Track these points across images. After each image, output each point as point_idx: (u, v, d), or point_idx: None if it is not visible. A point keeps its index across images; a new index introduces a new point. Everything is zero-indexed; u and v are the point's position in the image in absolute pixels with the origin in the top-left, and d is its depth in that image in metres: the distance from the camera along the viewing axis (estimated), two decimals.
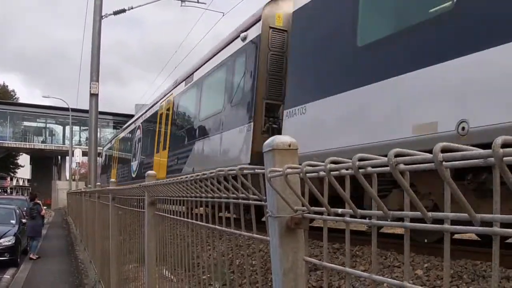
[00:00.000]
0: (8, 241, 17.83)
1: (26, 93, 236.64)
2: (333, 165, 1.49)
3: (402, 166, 1.25)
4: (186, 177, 3.20)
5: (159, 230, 4.96)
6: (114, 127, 75.66)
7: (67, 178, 72.11)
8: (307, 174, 1.64)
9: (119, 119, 75.76)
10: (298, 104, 10.77)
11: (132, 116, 41.27)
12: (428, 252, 11.95)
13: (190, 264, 3.80)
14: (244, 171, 2.22)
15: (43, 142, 74.91)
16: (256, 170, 2.18)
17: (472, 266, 10.46)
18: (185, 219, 3.74)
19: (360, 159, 1.36)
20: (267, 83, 12.79)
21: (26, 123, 75.07)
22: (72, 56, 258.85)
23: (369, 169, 1.40)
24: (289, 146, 1.92)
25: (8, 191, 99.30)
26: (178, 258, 4.12)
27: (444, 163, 1.10)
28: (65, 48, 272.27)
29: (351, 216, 1.55)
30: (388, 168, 1.26)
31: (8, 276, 15.71)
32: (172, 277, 4.68)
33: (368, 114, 8.74)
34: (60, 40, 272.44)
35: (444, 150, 1.10)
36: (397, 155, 1.23)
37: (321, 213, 1.72)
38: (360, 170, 1.39)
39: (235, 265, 7.28)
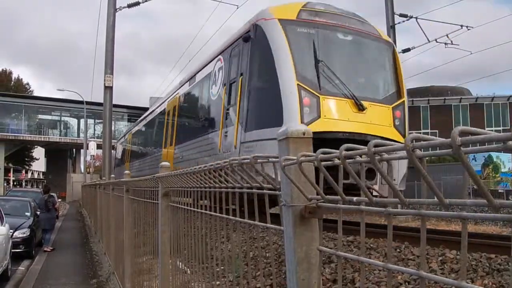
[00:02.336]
0: (23, 233, 17.88)
1: (37, 86, 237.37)
2: (348, 152, 1.47)
3: (419, 152, 1.23)
4: (200, 167, 3.18)
5: (173, 222, 4.95)
6: (129, 120, 75.88)
7: (82, 170, 72.38)
8: (322, 162, 1.62)
9: (134, 112, 75.94)
10: None
11: (147, 109, 40.90)
12: (443, 246, 11.92)
13: (204, 256, 3.79)
14: (258, 160, 2.20)
15: (60, 134, 75.20)
16: (270, 159, 2.16)
17: (486, 259, 10.41)
18: (199, 210, 3.72)
19: (376, 145, 1.34)
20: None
21: (41, 116, 75.33)
22: (83, 49, 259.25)
23: (385, 155, 1.38)
24: (303, 134, 1.90)
25: (23, 183, 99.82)
26: (192, 250, 4.11)
27: (462, 148, 1.08)
28: (76, 40, 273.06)
29: (367, 205, 1.53)
30: (405, 153, 1.24)
31: (23, 268, 15.78)
32: (186, 268, 4.67)
33: None
34: (71, 33, 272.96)
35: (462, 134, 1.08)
36: (414, 140, 1.21)
37: (335, 202, 1.70)
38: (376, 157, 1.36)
39: (249, 257, 7.28)
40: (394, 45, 16.84)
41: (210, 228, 3.62)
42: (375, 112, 13.84)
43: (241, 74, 15.03)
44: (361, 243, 1.61)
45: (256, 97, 14.38)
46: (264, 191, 2.29)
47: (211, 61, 18.35)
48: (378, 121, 13.84)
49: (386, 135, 13.45)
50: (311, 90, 13.13)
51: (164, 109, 24.77)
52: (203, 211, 3.61)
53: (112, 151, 32.29)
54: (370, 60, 15.19)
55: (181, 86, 22.63)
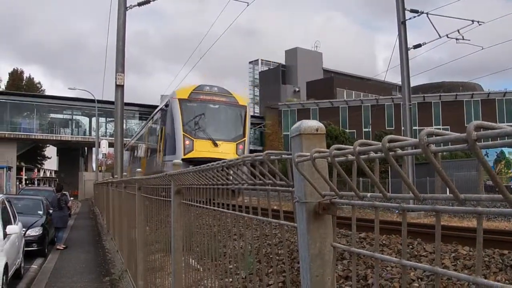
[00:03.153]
0: (35, 231, 17.93)
1: (48, 85, 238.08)
2: (362, 148, 1.46)
3: (433, 147, 1.22)
4: (213, 165, 3.18)
5: (186, 219, 4.96)
6: (140, 118, 76.12)
7: (94, 169, 72.59)
8: (335, 159, 1.62)
9: (145, 110, 76.16)
10: None
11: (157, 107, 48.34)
12: (455, 242, 11.89)
13: (217, 253, 3.79)
14: (271, 156, 2.20)
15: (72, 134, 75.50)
16: (283, 156, 2.16)
17: (499, 255, 10.37)
18: (212, 207, 3.72)
19: (390, 141, 1.33)
20: None
21: (52, 115, 75.58)
22: (94, 47, 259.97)
23: (399, 151, 1.37)
24: (317, 130, 1.90)
25: (36, 182, 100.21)
26: (205, 247, 4.11)
27: (477, 143, 1.07)
28: (86, 39, 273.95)
29: (381, 200, 1.52)
30: (419, 150, 1.23)
31: (36, 266, 15.83)
32: (198, 266, 4.68)
33: None
34: (81, 32, 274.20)
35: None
36: (429, 135, 1.20)
37: (349, 198, 1.70)
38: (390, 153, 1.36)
39: (262, 254, 7.28)
40: (247, 106, 29.61)
41: (223, 225, 3.62)
42: (225, 146, 26.31)
43: (162, 125, 29.51)
44: (375, 239, 1.60)
45: (166, 139, 28.01)
46: (277, 188, 2.29)
47: (155, 114, 34.02)
48: (226, 151, 25.74)
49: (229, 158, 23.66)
50: (189, 136, 26.34)
51: (141, 131, 40.18)
52: (215, 208, 3.61)
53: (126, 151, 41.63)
54: (227, 118, 27.92)
55: (147, 121, 39.35)
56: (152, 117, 35.00)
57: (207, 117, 27.03)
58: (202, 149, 25.39)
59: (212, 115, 27.25)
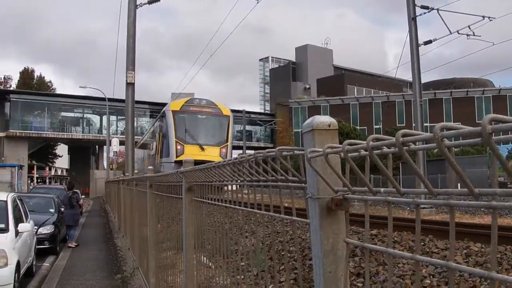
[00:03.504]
0: (47, 229, 18.01)
1: (58, 84, 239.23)
2: (375, 143, 1.46)
3: (447, 141, 1.21)
4: (224, 161, 3.18)
5: (197, 216, 4.96)
6: (151, 116, 76.31)
7: (105, 167, 72.85)
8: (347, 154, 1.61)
9: (156, 108, 76.33)
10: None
11: None
12: (467, 239, 11.85)
13: (228, 250, 3.79)
14: (283, 152, 2.19)
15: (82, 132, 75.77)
16: (295, 152, 2.16)
17: (511, 252, 10.33)
18: (223, 204, 3.72)
19: (404, 135, 1.33)
20: None
21: (63, 114, 75.85)
22: (104, 46, 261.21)
23: (412, 146, 1.37)
24: (329, 126, 1.90)
25: (47, 180, 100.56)
26: (216, 244, 4.11)
27: (493, 136, 1.07)
28: (96, 38, 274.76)
29: (394, 196, 1.52)
30: (433, 144, 1.23)
31: (48, 264, 15.90)
32: (210, 263, 4.68)
33: None
34: (91, 30, 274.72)
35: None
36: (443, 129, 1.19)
37: (362, 194, 1.69)
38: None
39: (274, 251, 7.27)
40: (230, 116, 34.40)
41: (234, 222, 3.62)
42: (210, 150, 30.75)
43: (160, 131, 34.75)
44: (388, 235, 1.60)
45: (162, 143, 33.51)
46: (289, 184, 2.28)
47: (156, 121, 40.39)
48: (211, 154, 29.78)
49: (215, 160, 27.98)
50: (181, 142, 31.32)
51: (142, 139, 47.59)
52: (227, 205, 3.61)
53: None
54: (213, 126, 33.13)
55: (151, 127, 45.92)
56: (154, 124, 42.40)
57: (195, 126, 32.50)
58: (191, 152, 29.53)
59: (200, 124, 32.90)
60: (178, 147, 31.28)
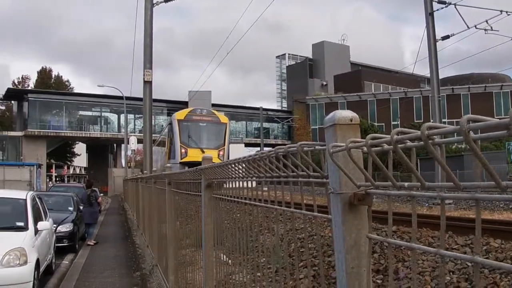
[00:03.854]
0: (66, 227, 18.11)
1: (76, 83, 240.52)
2: (400, 136, 1.44)
3: (473, 134, 1.19)
4: (244, 158, 3.17)
5: (216, 213, 4.96)
6: (168, 114, 76.52)
7: (123, 165, 73.23)
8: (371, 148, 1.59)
9: (173, 106, 76.68)
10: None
11: (186, 103, 69.33)
12: (487, 235, 11.76)
13: (248, 247, 3.79)
14: (305, 148, 2.18)
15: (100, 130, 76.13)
16: (317, 147, 2.15)
17: None
18: (243, 201, 3.71)
19: (429, 128, 1.31)
20: None
21: (81, 112, 76.27)
22: (120, 44, 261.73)
23: (437, 139, 1.35)
24: (351, 120, 1.88)
25: (65, 179, 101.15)
26: (236, 241, 4.10)
27: None
28: (113, 36, 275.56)
29: (418, 190, 1.50)
30: (460, 137, 1.21)
31: (67, 262, 15.97)
32: (228, 260, 4.68)
33: None
34: (108, 29, 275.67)
35: None
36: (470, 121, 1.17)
37: (385, 188, 1.67)
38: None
39: (296, 247, 7.27)
40: (227, 123, 39.93)
41: (254, 219, 3.61)
42: (210, 153, 28.50)
43: (168, 136, 39.74)
44: (412, 230, 1.58)
45: (170, 147, 38.43)
46: (311, 179, 2.27)
47: (166, 126, 45.55)
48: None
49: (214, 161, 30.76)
50: (184, 146, 35.87)
51: (159, 137, 49.03)
52: (247, 201, 3.60)
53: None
54: (212, 132, 37.88)
55: (161, 133, 49.98)
56: (164, 129, 48.91)
57: (197, 132, 37.68)
58: (193, 155, 34.24)
59: (201, 130, 38.09)
60: (182, 150, 36.37)
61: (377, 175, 2.30)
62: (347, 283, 1.88)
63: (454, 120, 58.97)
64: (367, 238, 1.88)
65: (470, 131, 1.18)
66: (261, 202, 3.26)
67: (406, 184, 1.53)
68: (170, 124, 39.61)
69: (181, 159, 35.51)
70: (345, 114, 1.89)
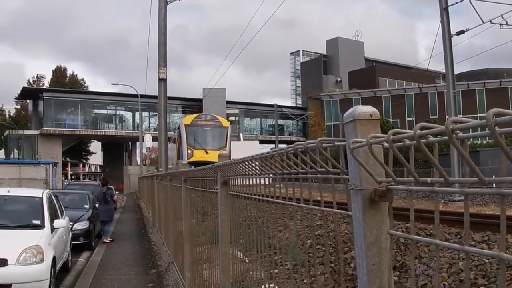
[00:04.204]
0: (82, 225, 18.16)
1: (90, 81, 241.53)
2: (423, 131, 1.42)
3: (498, 128, 1.17)
4: (262, 154, 3.16)
5: (233, 210, 4.95)
6: (183, 112, 76.77)
7: (138, 163, 73.38)
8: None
9: (187, 104, 76.90)
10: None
11: (200, 100, 71.86)
12: (507, 232, 11.66)
13: (265, 244, 3.78)
14: (324, 144, 2.16)
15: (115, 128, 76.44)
16: (336, 143, 2.13)
17: None
18: (261, 197, 3.70)
19: (454, 122, 1.29)
20: None
21: (96, 111, 76.65)
22: (134, 43, 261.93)
23: (460, 134, 1.33)
24: (371, 116, 1.86)
25: (81, 177, 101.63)
26: (253, 238, 4.09)
27: None
28: (127, 35, 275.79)
29: (441, 185, 1.48)
30: (485, 132, 1.19)
31: (83, 259, 16.03)
32: (244, 257, 4.67)
33: None
34: (121, 27, 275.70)
35: None
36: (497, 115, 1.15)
37: (406, 184, 1.65)
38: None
39: (313, 244, 7.25)
40: (228, 127, 44.85)
41: (272, 216, 3.60)
42: (212, 153, 37.42)
43: (177, 139, 45.61)
44: (435, 226, 1.56)
45: (179, 148, 44.26)
46: (330, 175, 2.25)
47: (176, 129, 49.46)
48: (213, 156, 29.90)
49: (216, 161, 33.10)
50: (191, 147, 42.06)
51: (173, 135, 51.04)
52: (264, 198, 3.59)
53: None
54: (215, 135, 43.69)
55: (173, 133, 51.37)
56: (175, 132, 52.43)
57: (202, 135, 43.45)
58: (198, 155, 39.51)
59: (205, 133, 43.74)
60: (189, 151, 41.74)
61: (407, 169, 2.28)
62: (368, 280, 1.87)
63: (470, 115, 58.75)
64: (388, 234, 1.86)
65: (496, 126, 1.16)
66: (279, 199, 3.25)
67: (429, 179, 1.51)
68: (179, 128, 45.80)
69: (188, 159, 38.47)
70: (365, 109, 1.87)
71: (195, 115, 48.38)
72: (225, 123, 45.93)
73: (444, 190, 1.46)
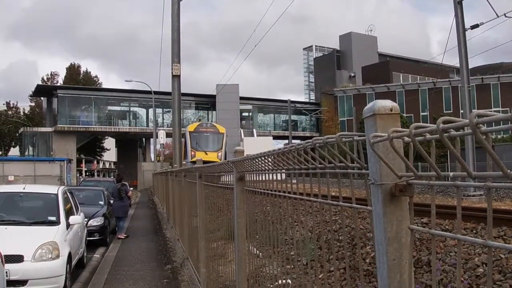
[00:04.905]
0: (97, 221, 18.24)
1: (103, 78, 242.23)
2: (446, 125, 1.40)
3: None
4: (279, 149, 3.15)
5: (248, 206, 4.94)
6: (196, 108, 76.92)
7: (152, 159, 73.63)
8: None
9: (201, 100, 77.01)
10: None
11: (213, 96, 73.17)
12: None
13: (279, 240, 3.77)
14: (343, 138, 2.15)
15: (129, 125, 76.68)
16: (355, 138, 2.12)
17: None
18: (277, 193, 3.69)
19: (478, 115, 1.27)
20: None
21: (110, 107, 76.93)
22: (147, 39, 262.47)
23: (483, 128, 1.31)
24: (391, 110, 1.85)
25: (95, 174, 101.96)
26: (270, 234, 4.09)
27: None
28: (139, 31, 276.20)
29: (463, 180, 1.46)
30: (509, 125, 1.17)
31: (98, 255, 16.11)
32: (260, 253, 4.67)
33: None
34: (134, 24, 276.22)
35: None
36: None
37: (427, 179, 1.64)
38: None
39: (325, 240, 7.23)
40: (224, 133, 53.27)
41: (288, 212, 3.59)
42: (211, 154, 48.23)
43: (184, 142, 47.77)
44: (457, 220, 1.54)
45: (184, 150, 46.18)
46: (349, 170, 2.24)
47: (184, 134, 48.88)
48: (212, 156, 46.31)
49: (215, 160, 28.79)
50: (194, 150, 50.08)
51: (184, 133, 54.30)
52: (281, 193, 3.58)
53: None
54: (213, 140, 52.75)
55: (183, 135, 52.11)
56: (182, 136, 58.92)
57: (202, 140, 51.16)
58: (200, 156, 40.83)
59: (205, 138, 51.55)
60: (192, 153, 48.86)
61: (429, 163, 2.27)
62: (388, 275, 1.86)
63: (484, 110, 58.39)
64: (409, 229, 1.84)
65: None
66: (296, 194, 3.24)
67: (451, 173, 1.49)
68: (184, 134, 50.49)
69: (191, 159, 46.29)
70: (385, 103, 1.86)
71: (197, 123, 57.19)
72: (222, 130, 53.79)
73: (467, 184, 1.45)
